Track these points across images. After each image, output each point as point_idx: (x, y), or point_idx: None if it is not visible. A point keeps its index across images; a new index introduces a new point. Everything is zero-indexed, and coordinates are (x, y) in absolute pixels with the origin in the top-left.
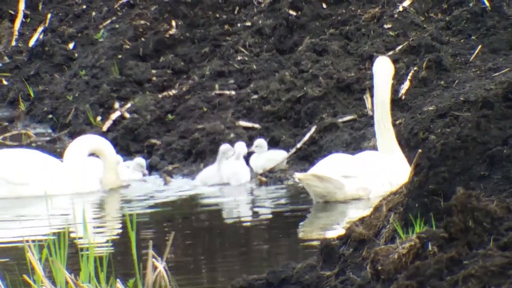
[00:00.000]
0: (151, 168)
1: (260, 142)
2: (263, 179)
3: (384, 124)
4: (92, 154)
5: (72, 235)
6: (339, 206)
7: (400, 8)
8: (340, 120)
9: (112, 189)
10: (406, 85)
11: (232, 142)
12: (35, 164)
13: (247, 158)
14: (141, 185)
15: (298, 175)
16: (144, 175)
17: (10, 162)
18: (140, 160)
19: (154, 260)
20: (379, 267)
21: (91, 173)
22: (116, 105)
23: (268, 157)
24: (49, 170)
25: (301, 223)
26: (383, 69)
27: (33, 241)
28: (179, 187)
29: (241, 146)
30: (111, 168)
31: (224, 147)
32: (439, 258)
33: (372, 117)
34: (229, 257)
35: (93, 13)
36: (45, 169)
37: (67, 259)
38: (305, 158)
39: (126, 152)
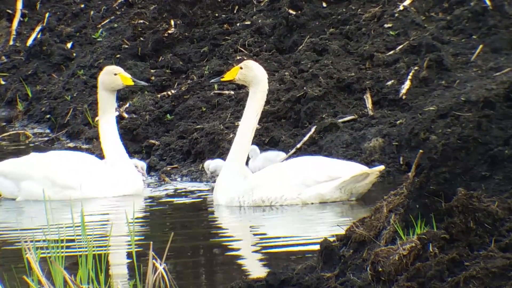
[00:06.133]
0: (150, 169)
1: (252, 149)
2: None
3: (246, 143)
4: None
5: (71, 236)
6: (339, 206)
7: (401, 7)
8: (340, 120)
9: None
10: (406, 85)
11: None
12: (82, 167)
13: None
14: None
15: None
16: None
17: (58, 164)
18: (143, 165)
19: (154, 261)
20: (380, 269)
21: (134, 175)
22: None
23: (266, 158)
24: (94, 172)
25: (301, 223)
26: (265, 76)
27: (32, 241)
28: (178, 187)
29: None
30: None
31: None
32: (440, 260)
33: (372, 117)
34: (228, 258)
35: (92, 12)
36: (91, 171)
37: (66, 260)
38: None
39: None
